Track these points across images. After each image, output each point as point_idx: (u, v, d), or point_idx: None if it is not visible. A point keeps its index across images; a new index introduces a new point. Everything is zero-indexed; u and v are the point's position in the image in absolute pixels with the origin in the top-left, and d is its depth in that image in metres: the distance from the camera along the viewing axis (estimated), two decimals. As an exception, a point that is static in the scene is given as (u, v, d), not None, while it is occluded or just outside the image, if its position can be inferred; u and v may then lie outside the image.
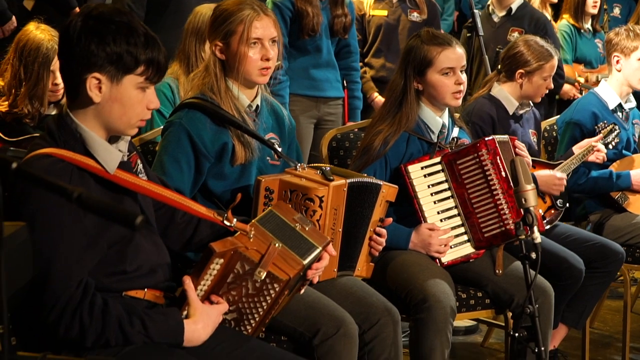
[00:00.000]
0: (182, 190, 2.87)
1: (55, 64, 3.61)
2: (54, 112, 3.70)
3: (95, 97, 2.26)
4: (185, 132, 2.85)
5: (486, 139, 3.34)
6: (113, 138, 2.35)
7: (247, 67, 2.91)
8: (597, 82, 5.90)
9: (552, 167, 4.05)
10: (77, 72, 2.24)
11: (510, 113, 4.01)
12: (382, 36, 5.13)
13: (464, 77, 3.41)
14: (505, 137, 3.48)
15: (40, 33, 3.68)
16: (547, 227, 3.91)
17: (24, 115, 3.59)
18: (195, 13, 3.89)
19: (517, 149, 3.52)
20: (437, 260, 3.33)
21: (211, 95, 2.91)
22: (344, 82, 4.88)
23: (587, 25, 6.23)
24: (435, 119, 3.43)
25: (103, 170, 2.28)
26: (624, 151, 4.42)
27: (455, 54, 3.39)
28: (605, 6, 6.87)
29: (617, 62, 4.39)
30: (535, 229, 2.59)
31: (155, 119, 3.81)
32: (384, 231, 3.11)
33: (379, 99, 5.05)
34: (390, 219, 3.15)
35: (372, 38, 5.16)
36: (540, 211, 3.96)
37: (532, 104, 4.09)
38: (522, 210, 2.73)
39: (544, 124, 4.53)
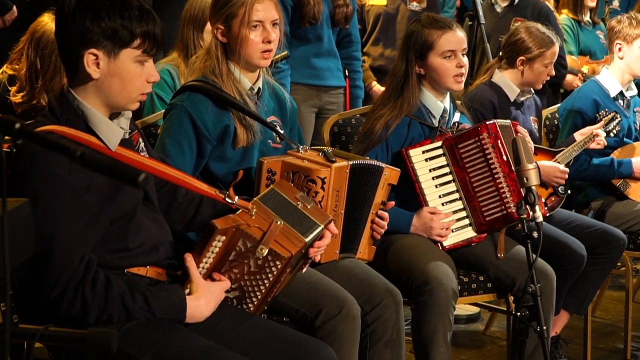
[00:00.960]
0: (184, 172, 2.86)
1: None
2: None
3: (94, 73, 2.27)
4: (187, 115, 2.85)
5: (487, 122, 3.34)
6: (114, 115, 2.36)
7: (249, 50, 2.91)
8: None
9: (554, 154, 4.05)
10: (74, 49, 2.25)
11: (512, 100, 4.01)
12: (380, 25, 5.14)
13: (465, 60, 3.41)
14: (507, 121, 3.48)
15: None
16: (549, 213, 3.90)
17: (39, 107, 3.59)
18: (190, 1, 3.89)
19: (519, 134, 3.51)
20: (439, 244, 3.33)
21: (213, 78, 2.91)
22: (346, 71, 4.88)
23: (587, 17, 6.22)
24: (437, 104, 3.43)
25: (105, 147, 2.28)
26: (625, 139, 4.42)
27: (456, 37, 3.39)
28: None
29: (620, 49, 4.39)
30: (537, 207, 2.59)
31: (156, 104, 3.81)
32: (386, 214, 3.11)
33: (377, 87, 5.06)
34: (393, 203, 3.15)
35: (370, 27, 5.17)
36: (542, 199, 3.96)
37: (533, 91, 4.09)
38: (524, 189, 2.73)
39: (546, 112, 4.53)
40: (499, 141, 3.32)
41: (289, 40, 4.65)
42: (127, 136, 2.37)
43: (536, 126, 4.15)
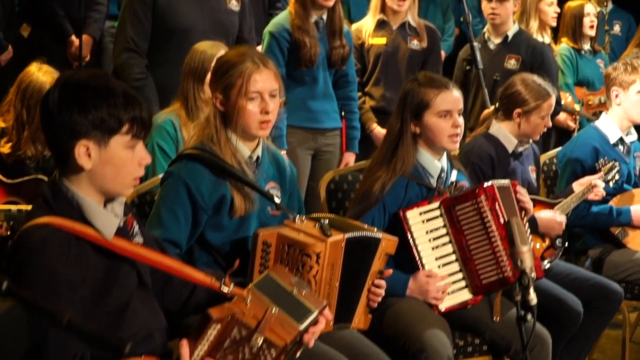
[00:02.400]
0: (178, 242, 2.87)
1: None
2: None
3: (86, 164, 2.26)
4: (183, 184, 2.84)
5: (485, 185, 3.33)
6: (108, 200, 2.35)
7: (247, 121, 2.90)
8: (601, 103, 5.89)
9: (552, 205, 4.04)
10: (64, 142, 2.25)
11: (510, 151, 3.99)
12: (381, 65, 5.08)
13: (461, 120, 3.39)
14: (506, 182, 3.46)
15: (43, 75, 3.67)
16: (547, 266, 3.89)
17: (27, 157, 3.58)
18: (192, 52, 3.86)
19: (518, 194, 3.50)
20: (435, 307, 3.31)
21: (211, 145, 2.91)
22: (342, 112, 4.85)
23: (587, 46, 6.20)
24: (434, 163, 3.42)
25: (101, 238, 2.27)
26: (625, 185, 4.40)
27: (452, 97, 3.38)
28: (606, 27, 6.86)
29: (617, 96, 4.37)
30: (531, 290, 2.57)
31: (157, 156, 3.78)
32: (383, 282, 3.07)
33: (377, 130, 5.02)
34: (390, 271, 3.11)
35: (371, 67, 5.11)
36: (538, 245, 3.95)
37: (531, 141, 4.07)
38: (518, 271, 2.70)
39: (544, 157, 4.52)
40: (496, 203, 3.31)
41: (285, 82, 4.63)
42: (121, 224, 2.36)
43: (534, 175, 4.14)
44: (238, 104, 2.90)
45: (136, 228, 2.47)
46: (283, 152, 4.52)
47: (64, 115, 2.23)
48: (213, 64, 3.69)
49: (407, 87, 3.43)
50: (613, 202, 4.33)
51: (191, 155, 2.89)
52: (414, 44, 5.10)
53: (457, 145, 3.42)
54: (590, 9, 6.15)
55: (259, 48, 5.04)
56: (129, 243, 2.34)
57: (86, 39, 5.39)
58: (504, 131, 3.99)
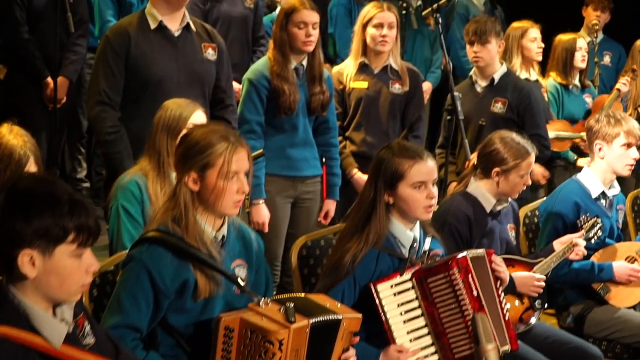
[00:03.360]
0: (139, 327, 2.80)
1: (29, 170, 3.53)
2: None
3: (30, 273, 2.20)
4: (144, 269, 2.78)
5: (458, 256, 3.26)
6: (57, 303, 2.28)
7: (224, 201, 2.86)
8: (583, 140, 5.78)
9: (531, 265, 3.96)
10: (7, 250, 2.19)
11: (488, 211, 3.91)
12: (362, 109, 4.99)
13: (435, 190, 3.32)
14: (481, 252, 3.40)
15: (13, 138, 3.58)
16: (525, 329, 3.83)
17: None
18: (164, 108, 3.78)
19: (493, 264, 3.43)
20: (406, 382, 3.24)
21: (175, 227, 2.85)
22: (322, 158, 4.78)
23: (575, 80, 6.11)
24: (406, 233, 3.34)
25: (49, 348, 2.21)
26: (607, 239, 4.32)
27: (427, 167, 3.31)
28: (596, 58, 6.78)
29: (600, 149, 4.29)
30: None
31: (122, 218, 3.69)
32: (350, 354, 3.01)
33: (358, 175, 4.93)
34: (357, 338, 3.05)
35: (352, 111, 5.02)
36: (517, 303, 3.88)
37: (510, 199, 3.99)
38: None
39: (525, 210, 4.45)
40: (469, 275, 3.24)
41: (264, 130, 4.57)
42: (71, 329, 2.29)
43: (513, 234, 4.06)
44: (217, 184, 2.84)
45: (87, 328, 2.40)
46: (261, 201, 4.50)
47: (7, 223, 2.17)
48: (183, 131, 3.65)
49: (380, 155, 3.35)
50: (595, 258, 4.26)
51: (154, 239, 2.82)
52: (396, 87, 5.01)
53: (430, 215, 3.35)
54: (582, 44, 6.06)
55: (238, 87, 4.97)
56: (78, 351, 2.27)
57: (62, 80, 5.33)
58: (482, 190, 3.92)
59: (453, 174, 5.12)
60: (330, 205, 4.80)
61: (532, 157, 3.90)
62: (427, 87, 6.67)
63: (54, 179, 2.32)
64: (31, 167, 3.49)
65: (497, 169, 3.87)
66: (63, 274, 2.21)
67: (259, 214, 4.50)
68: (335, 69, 5.22)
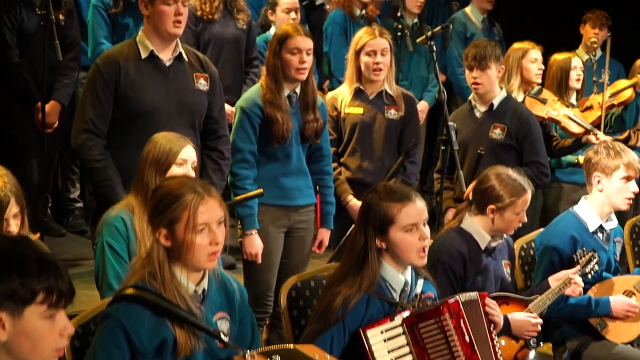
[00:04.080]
0: None
1: (10, 212, 3.47)
2: None
3: (1, 336, 2.12)
4: (120, 328, 2.69)
5: (450, 301, 3.19)
6: None
7: (196, 255, 2.77)
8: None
9: (526, 303, 3.89)
10: None
11: (482, 248, 3.84)
12: (357, 135, 4.91)
13: (427, 230, 3.24)
14: (474, 295, 3.33)
15: None
16: (520, 367, 3.76)
17: None
18: (153, 142, 3.71)
19: (486, 307, 3.36)
20: None
21: (153, 283, 2.76)
22: (316, 186, 4.70)
23: (572, 99, 6.02)
24: (398, 277, 3.27)
25: None
26: (604, 273, 4.25)
27: (417, 209, 3.23)
28: (594, 77, 6.68)
29: (599, 182, 4.22)
30: None
31: (107, 256, 3.61)
32: None
33: (353, 202, 4.84)
34: None
35: (347, 137, 4.93)
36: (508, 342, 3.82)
37: (505, 235, 3.92)
38: None
39: (521, 242, 4.37)
40: (461, 321, 3.18)
41: (257, 158, 4.50)
42: None
43: (508, 270, 3.99)
44: (186, 238, 2.75)
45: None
46: (254, 231, 4.42)
47: None
48: (172, 167, 3.60)
49: (368, 200, 3.27)
50: (592, 292, 4.19)
51: (130, 297, 2.73)
52: (391, 113, 4.93)
53: (425, 260, 3.26)
54: (577, 63, 5.96)
55: (231, 110, 4.90)
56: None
57: (54, 105, 5.25)
58: (476, 227, 3.84)
59: (450, 199, 5.05)
60: (324, 235, 4.72)
61: (529, 195, 3.82)
62: (423, 106, 6.61)
63: (25, 240, 2.25)
64: (12, 208, 3.42)
65: (492, 206, 3.80)
66: (34, 336, 2.15)
67: (252, 244, 4.43)
68: (330, 94, 5.14)
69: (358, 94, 4.96)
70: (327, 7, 6.87)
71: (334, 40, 6.40)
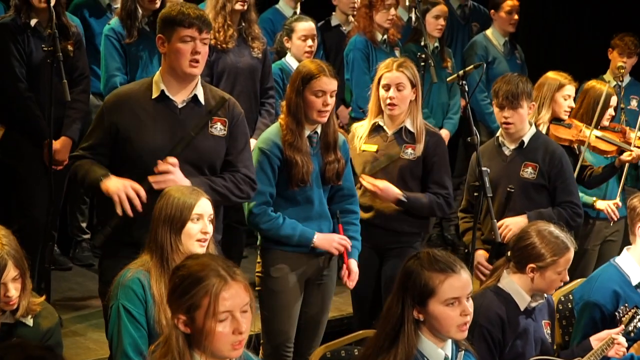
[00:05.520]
0: None
1: (7, 276, 3.26)
2: (7, 320, 3.36)
3: None
4: None
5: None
6: None
7: (217, 344, 2.54)
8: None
9: (568, 367, 3.65)
10: None
11: (522, 309, 3.60)
12: (368, 174, 4.68)
13: (470, 305, 2.99)
14: None
15: None
16: None
17: None
18: (165, 197, 3.48)
19: None
20: None
21: None
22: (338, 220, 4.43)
23: None
24: (437, 352, 3.02)
25: None
26: (647, 329, 4.01)
27: (461, 281, 2.97)
28: (622, 104, 6.44)
29: (643, 232, 3.97)
30: None
31: (123, 320, 3.38)
32: None
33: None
34: None
35: (358, 176, 4.70)
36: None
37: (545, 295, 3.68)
38: None
39: (558, 294, 4.12)
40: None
41: (275, 202, 4.25)
42: None
43: (549, 330, 3.75)
44: (206, 326, 2.52)
45: None
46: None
47: None
48: (187, 223, 3.36)
49: (408, 266, 3.02)
50: (634, 349, 3.94)
51: None
52: (408, 152, 4.66)
53: (466, 333, 3.02)
54: (614, 101, 5.64)
55: (253, 143, 4.63)
56: None
57: (65, 141, 4.99)
58: (515, 286, 3.60)
59: (478, 240, 4.79)
60: (353, 265, 4.42)
61: (571, 253, 3.59)
62: (444, 135, 6.33)
63: (21, 343, 2.11)
64: (10, 271, 3.25)
65: (532, 265, 3.56)
66: None
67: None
68: (354, 126, 4.90)
69: (377, 130, 4.72)
70: (344, 28, 6.60)
71: (355, 67, 6.13)
